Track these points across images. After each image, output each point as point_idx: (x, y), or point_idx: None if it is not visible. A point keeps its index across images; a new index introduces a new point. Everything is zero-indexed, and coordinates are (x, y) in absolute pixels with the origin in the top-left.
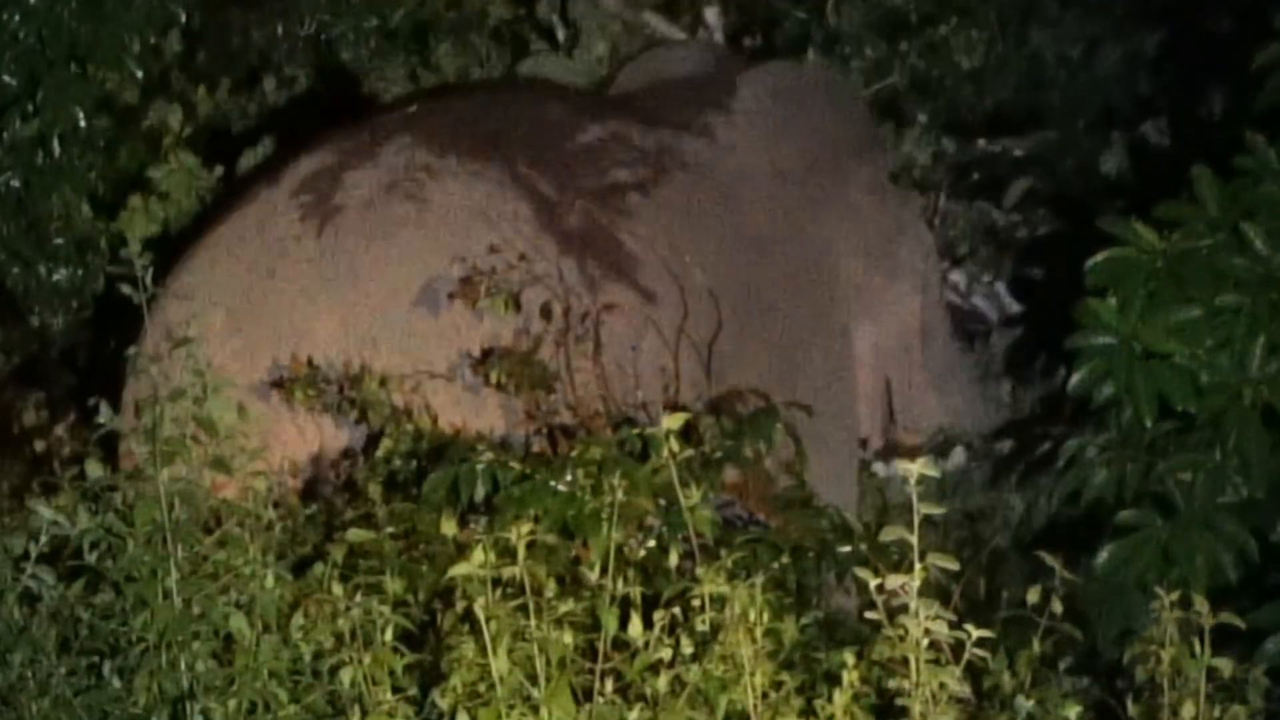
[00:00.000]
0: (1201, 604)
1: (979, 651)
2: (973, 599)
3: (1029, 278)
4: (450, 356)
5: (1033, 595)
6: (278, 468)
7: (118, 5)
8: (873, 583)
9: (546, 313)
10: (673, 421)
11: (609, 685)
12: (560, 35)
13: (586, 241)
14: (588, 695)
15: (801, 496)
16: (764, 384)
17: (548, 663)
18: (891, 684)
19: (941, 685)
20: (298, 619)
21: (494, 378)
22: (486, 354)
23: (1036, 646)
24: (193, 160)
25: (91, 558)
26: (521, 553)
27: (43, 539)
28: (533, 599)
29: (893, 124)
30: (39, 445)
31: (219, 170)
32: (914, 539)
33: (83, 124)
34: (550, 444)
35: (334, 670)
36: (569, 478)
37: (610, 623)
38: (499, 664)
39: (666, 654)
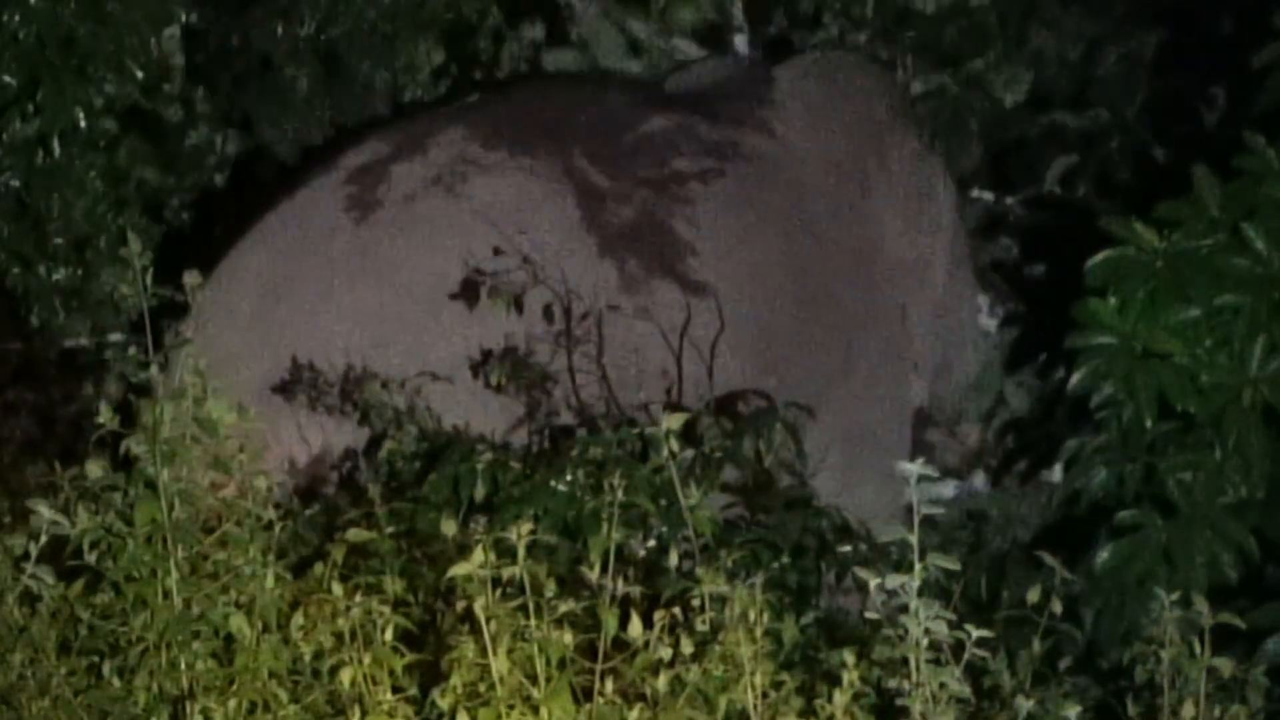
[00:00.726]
0: (1201, 604)
1: (979, 651)
2: (973, 599)
3: (1028, 276)
4: (474, 354)
5: (1033, 595)
6: (288, 463)
7: (118, 5)
8: (873, 583)
9: (566, 315)
10: (673, 421)
11: (609, 685)
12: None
13: (633, 237)
14: (588, 695)
15: (802, 496)
16: (823, 370)
17: (548, 663)
18: (891, 684)
19: (941, 685)
20: (298, 619)
21: (494, 379)
22: (507, 353)
23: (1036, 646)
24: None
25: (91, 558)
26: (521, 553)
27: (43, 539)
28: (533, 599)
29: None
30: (38, 445)
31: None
32: (914, 539)
33: (83, 124)
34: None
35: (334, 670)
36: (569, 478)
37: (610, 623)
38: (499, 664)
39: (666, 654)
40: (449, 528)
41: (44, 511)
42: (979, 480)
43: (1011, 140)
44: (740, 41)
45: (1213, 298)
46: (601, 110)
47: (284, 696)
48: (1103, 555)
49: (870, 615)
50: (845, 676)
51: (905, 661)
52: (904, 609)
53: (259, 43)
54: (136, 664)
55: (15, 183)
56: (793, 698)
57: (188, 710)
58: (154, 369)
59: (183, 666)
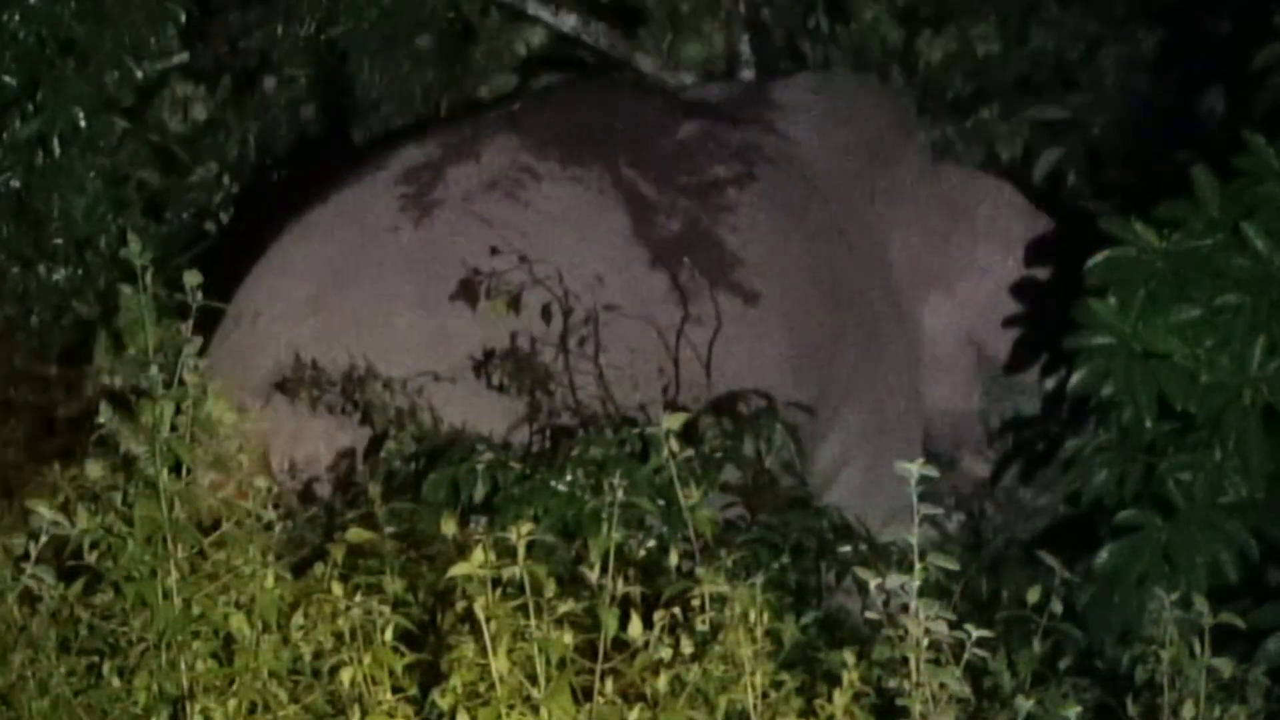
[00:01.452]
0: (1201, 604)
1: (979, 651)
2: (973, 599)
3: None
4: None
5: (1033, 595)
6: (311, 459)
7: (118, 5)
8: (873, 583)
9: (610, 326)
10: (673, 421)
11: (609, 685)
12: None
13: (684, 246)
14: (588, 695)
15: (801, 496)
16: (855, 374)
17: (548, 663)
18: (891, 684)
19: (941, 685)
20: (298, 619)
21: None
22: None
23: (1036, 646)
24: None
25: (91, 558)
26: (521, 553)
27: (43, 539)
28: (533, 599)
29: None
30: (38, 445)
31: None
32: (914, 539)
33: (83, 124)
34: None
35: (334, 670)
36: (569, 478)
37: (610, 623)
38: (499, 664)
39: (666, 654)
40: (449, 528)
41: (44, 511)
42: (989, 510)
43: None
44: (747, 78)
45: (1213, 298)
46: (638, 117)
47: (284, 696)
48: (1103, 555)
49: (870, 615)
50: (845, 676)
51: (905, 661)
52: (904, 609)
53: (259, 43)
54: (136, 664)
55: (15, 183)
56: (793, 698)
57: (188, 710)
58: (154, 369)
59: (183, 666)
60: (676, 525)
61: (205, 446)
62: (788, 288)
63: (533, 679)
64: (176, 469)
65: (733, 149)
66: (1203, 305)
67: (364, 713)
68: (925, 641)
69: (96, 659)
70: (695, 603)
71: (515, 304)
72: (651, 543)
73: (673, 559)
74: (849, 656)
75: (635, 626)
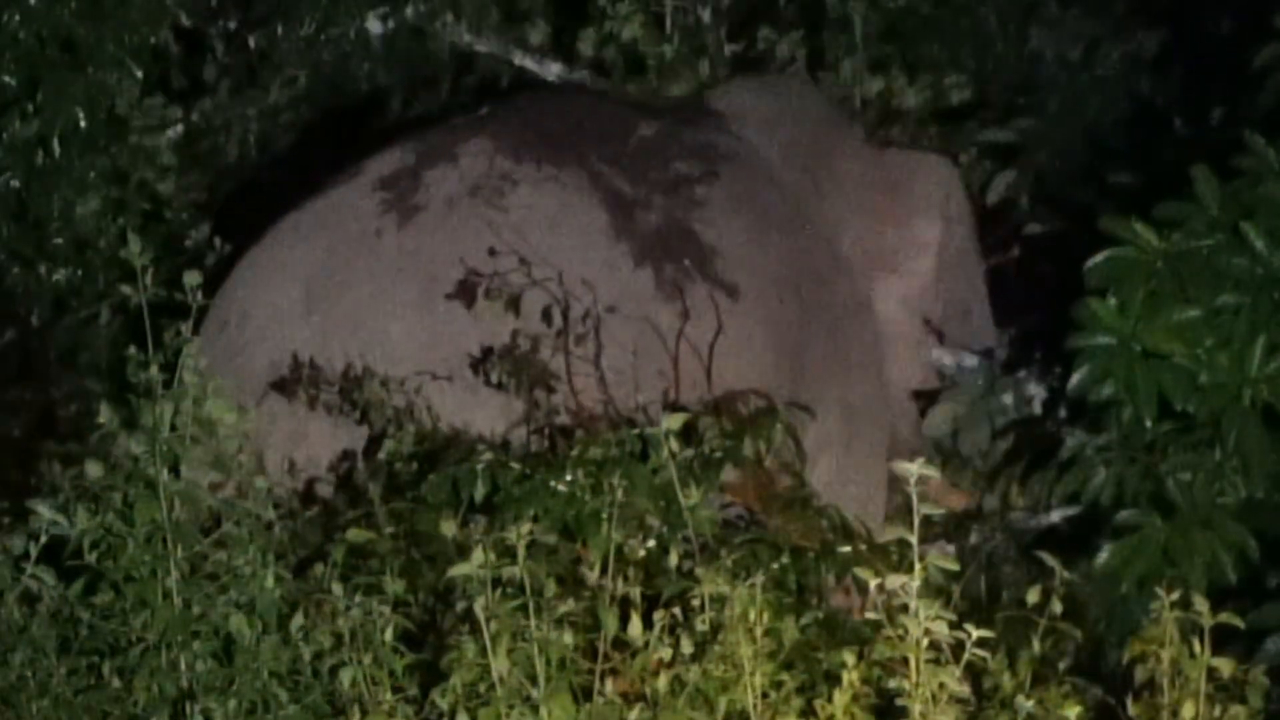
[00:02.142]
0: (1201, 604)
1: (979, 651)
2: (973, 599)
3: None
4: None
5: (1033, 595)
6: (307, 460)
7: (118, 5)
8: (873, 583)
9: (608, 324)
10: (673, 422)
11: (609, 685)
12: None
13: (664, 243)
14: (588, 695)
15: (802, 496)
16: (824, 366)
17: (548, 663)
18: (891, 684)
19: (941, 685)
20: (298, 619)
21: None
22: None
23: (1036, 646)
24: None
25: (91, 558)
26: (521, 553)
27: (43, 539)
28: (533, 599)
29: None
30: (38, 445)
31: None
32: (914, 539)
33: (83, 124)
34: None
35: (334, 670)
36: (569, 478)
37: (610, 623)
38: (499, 664)
39: (666, 654)
40: (449, 528)
41: (44, 511)
42: (975, 536)
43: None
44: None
45: (1213, 298)
46: (603, 120)
47: (284, 696)
48: (1103, 555)
49: (870, 615)
50: (845, 676)
51: (905, 661)
52: (904, 609)
53: (259, 43)
54: (136, 664)
55: (15, 183)
56: (793, 698)
57: (188, 710)
58: (154, 369)
59: (183, 666)
60: (676, 525)
61: (205, 446)
62: (761, 281)
63: (533, 679)
64: (176, 469)
65: (692, 148)
66: (1203, 305)
67: (364, 713)
68: (925, 641)
69: (96, 659)
70: (695, 603)
71: (512, 305)
72: (651, 543)
73: (673, 559)
74: (849, 656)
75: (635, 626)
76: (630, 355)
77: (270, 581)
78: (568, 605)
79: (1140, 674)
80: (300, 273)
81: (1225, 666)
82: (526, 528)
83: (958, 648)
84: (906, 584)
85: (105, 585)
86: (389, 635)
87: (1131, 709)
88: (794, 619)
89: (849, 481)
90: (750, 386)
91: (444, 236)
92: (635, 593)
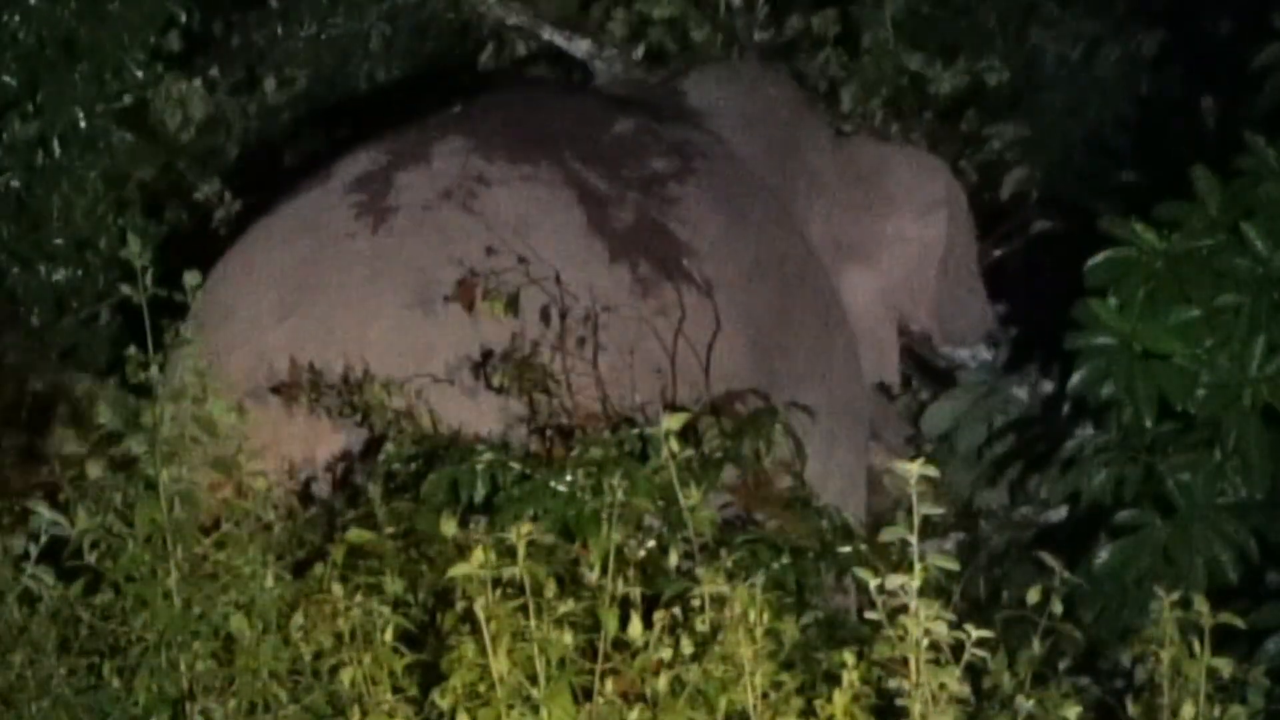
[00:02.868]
0: (1201, 604)
1: (979, 651)
2: (973, 599)
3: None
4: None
5: (1033, 595)
6: (295, 465)
7: (118, 5)
8: (873, 583)
9: (590, 323)
10: (673, 421)
11: (609, 685)
12: None
13: (638, 239)
14: (588, 695)
15: (802, 496)
16: (807, 363)
17: (548, 663)
18: (891, 684)
19: (941, 685)
20: (298, 619)
21: (496, 381)
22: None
23: (1036, 646)
24: None
25: (91, 558)
26: (521, 553)
27: (43, 539)
28: (533, 599)
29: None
30: (39, 445)
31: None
32: (914, 539)
33: (83, 124)
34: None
35: (334, 670)
36: (569, 478)
37: (610, 623)
38: (499, 664)
39: (666, 654)
40: (449, 528)
41: (44, 512)
42: (953, 539)
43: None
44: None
45: (1213, 298)
46: (577, 116)
47: (284, 696)
48: (1103, 555)
49: (870, 615)
50: (845, 676)
51: (905, 661)
52: (904, 609)
53: (259, 43)
54: (136, 664)
55: (15, 183)
56: (793, 698)
57: (188, 710)
58: (154, 369)
59: (183, 666)
60: (676, 525)
61: (205, 446)
62: (737, 277)
63: (533, 679)
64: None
65: (669, 144)
66: (1203, 305)
67: (364, 713)
68: (925, 641)
69: (96, 659)
70: (695, 603)
71: (490, 307)
72: (651, 543)
73: (673, 559)
74: (849, 656)
75: (635, 627)
76: (612, 354)
77: (270, 581)
78: (568, 605)
79: (1140, 674)
80: (275, 277)
81: (1225, 666)
82: (526, 528)
83: (958, 648)
84: (906, 584)
85: (105, 585)
86: (389, 635)
87: (1131, 709)
88: (794, 619)
89: (830, 477)
90: (726, 383)
91: (418, 240)
92: (635, 593)
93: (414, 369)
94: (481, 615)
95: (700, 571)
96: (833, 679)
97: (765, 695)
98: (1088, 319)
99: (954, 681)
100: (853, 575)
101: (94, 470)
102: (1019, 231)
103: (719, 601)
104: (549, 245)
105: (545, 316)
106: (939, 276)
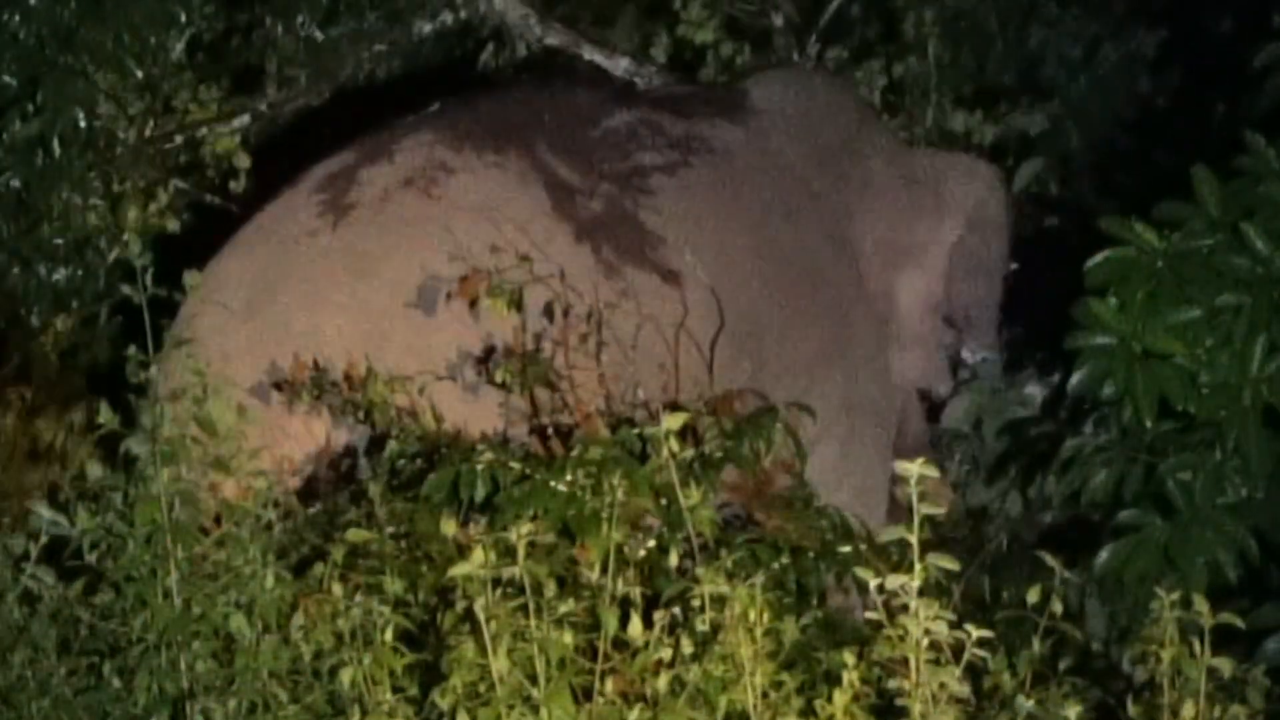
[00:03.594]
0: (1201, 604)
1: (979, 651)
2: (973, 599)
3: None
4: (451, 356)
5: (1033, 595)
6: (277, 467)
7: (118, 5)
8: (873, 583)
9: (549, 311)
10: (673, 421)
11: (609, 685)
12: None
13: (605, 226)
14: (588, 695)
15: (802, 496)
16: (818, 354)
17: (548, 663)
18: (891, 684)
19: (941, 685)
20: (298, 619)
21: (499, 377)
22: (488, 352)
23: (1036, 646)
24: None
25: (91, 558)
26: (521, 553)
27: (43, 539)
28: (533, 599)
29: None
30: (39, 445)
31: None
32: (914, 539)
33: (83, 124)
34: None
35: (334, 670)
36: (569, 478)
37: (610, 623)
38: (499, 664)
39: (666, 654)
40: (449, 528)
41: (44, 512)
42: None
43: None
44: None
45: (1213, 298)
46: (567, 109)
47: (284, 696)
48: (1103, 555)
49: (870, 615)
50: (845, 676)
51: (905, 661)
52: (904, 609)
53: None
54: (136, 664)
55: (15, 183)
56: (793, 698)
57: (188, 710)
58: (153, 369)
59: (183, 666)
60: (676, 525)
61: (205, 446)
62: (718, 269)
63: (533, 679)
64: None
65: (672, 138)
66: (1203, 305)
67: (364, 713)
68: (925, 641)
69: (96, 659)
70: (695, 603)
71: (444, 297)
72: (651, 543)
73: (673, 559)
74: (849, 656)
75: (635, 626)
76: (573, 334)
77: (270, 581)
78: (568, 605)
79: (1140, 674)
80: (245, 281)
81: (1225, 666)
82: (526, 528)
83: (958, 648)
84: (906, 584)
85: (105, 585)
86: (389, 635)
87: (1131, 709)
88: (794, 619)
89: (849, 475)
90: (694, 368)
91: (374, 230)
92: (635, 593)
93: (367, 361)
94: (481, 615)
95: (700, 571)
96: (833, 679)
97: (765, 695)
98: (1088, 319)
99: (954, 681)
100: (853, 575)
101: (94, 470)
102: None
103: (719, 601)
104: (509, 229)
105: (510, 303)
106: (978, 282)
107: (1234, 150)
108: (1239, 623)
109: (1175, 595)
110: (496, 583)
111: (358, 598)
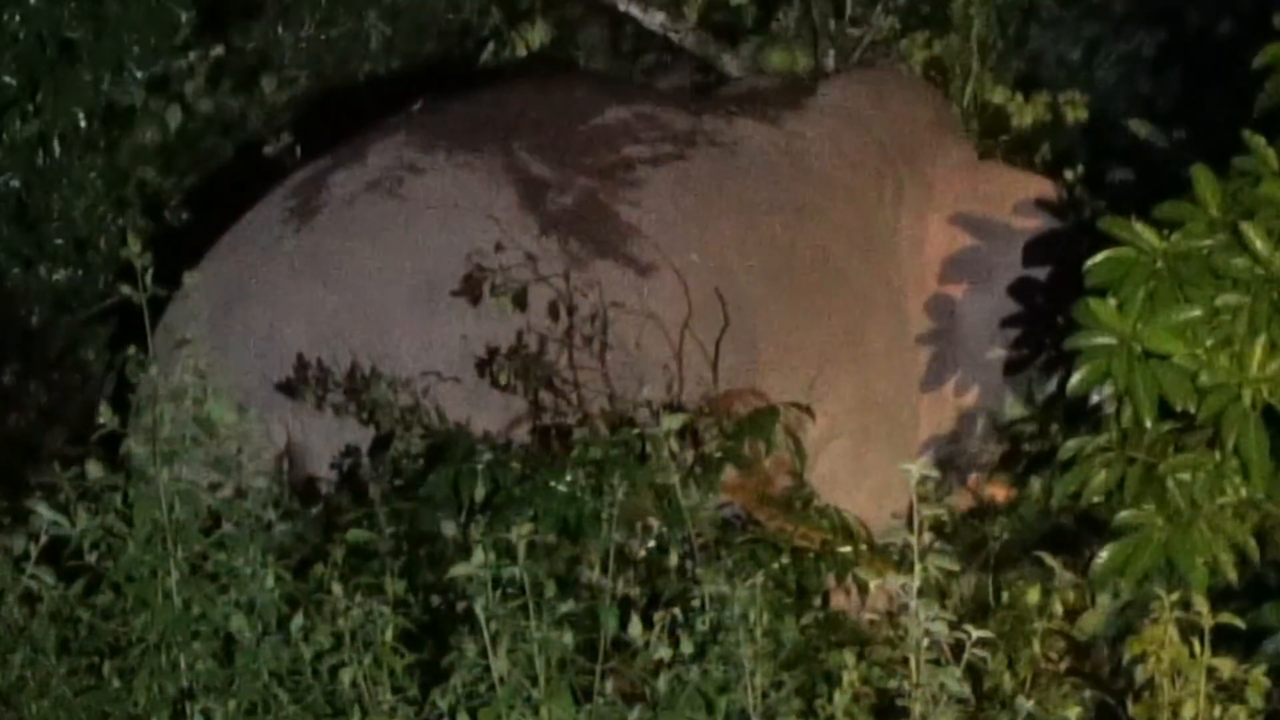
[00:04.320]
0: (1201, 604)
1: (979, 651)
2: (974, 599)
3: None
4: (412, 355)
5: (1033, 595)
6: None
7: (118, 5)
8: (873, 583)
9: (520, 302)
10: (673, 421)
11: (609, 685)
12: None
13: (575, 219)
14: (588, 695)
15: (802, 496)
16: (827, 345)
17: (548, 663)
18: (891, 684)
19: (941, 685)
20: (298, 619)
21: (495, 375)
22: (451, 350)
23: (1036, 646)
24: None
25: (91, 558)
26: (521, 553)
27: (43, 539)
28: (533, 599)
29: None
30: (39, 445)
31: None
32: (914, 539)
33: (83, 124)
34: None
35: (334, 670)
36: (569, 478)
37: (610, 623)
38: (499, 664)
39: (666, 654)
40: (449, 528)
41: (44, 511)
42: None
43: None
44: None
45: (1213, 298)
46: (557, 104)
47: (284, 696)
48: (1103, 555)
49: (870, 615)
50: (845, 676)
51: (905, 661)
52: (904, 609)
53: (259, 43)
54: (136, 664)
55: (15, 183)
56: (793, 698)
57: (188, 710)
58: (153, 369)
59: (183, 666)
60: (676, 525)
61: (205, 447)
62: (702, 265)
63: (533, 679)
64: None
65: (671, 133)
66: (1203, 305)
67: (364, 713)
68: (925, 641)
69: (96, 659)
70: (695, 603)
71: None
72: (651, 543)
73: (673, 559)
74: (849, 656)
75: (635, 626)
76: (537, 323)
77: (270, 581)
78: (568, 605)
79: (1140, 674)
80: (217, 290)
81: (1225, 666)
82: (526, 528)
83: (958, 648)
84: (906, 584)
85: (105, 585)
86: (389, 635)
87: (1131, 709)
88: (794, 619)
89: (864, 475)
90: (662, 359)
91: (336, 233)
92: (635, 593)
93: (329, 361)
94: (481, 615)
95: (700, 571)
96: (833, 679)
97: (765, 695)
98: (1088, 319)
99: (954, 681)
100: (853, 575)
101: (94, 470)
102: None
103: (719, 601)
104: (474, 225)
105: (471, 293)
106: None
107: (1234, 150)
108: (1239, 623)
109: (1175, 595)
110: (496, 583)
111: (358, 598)
